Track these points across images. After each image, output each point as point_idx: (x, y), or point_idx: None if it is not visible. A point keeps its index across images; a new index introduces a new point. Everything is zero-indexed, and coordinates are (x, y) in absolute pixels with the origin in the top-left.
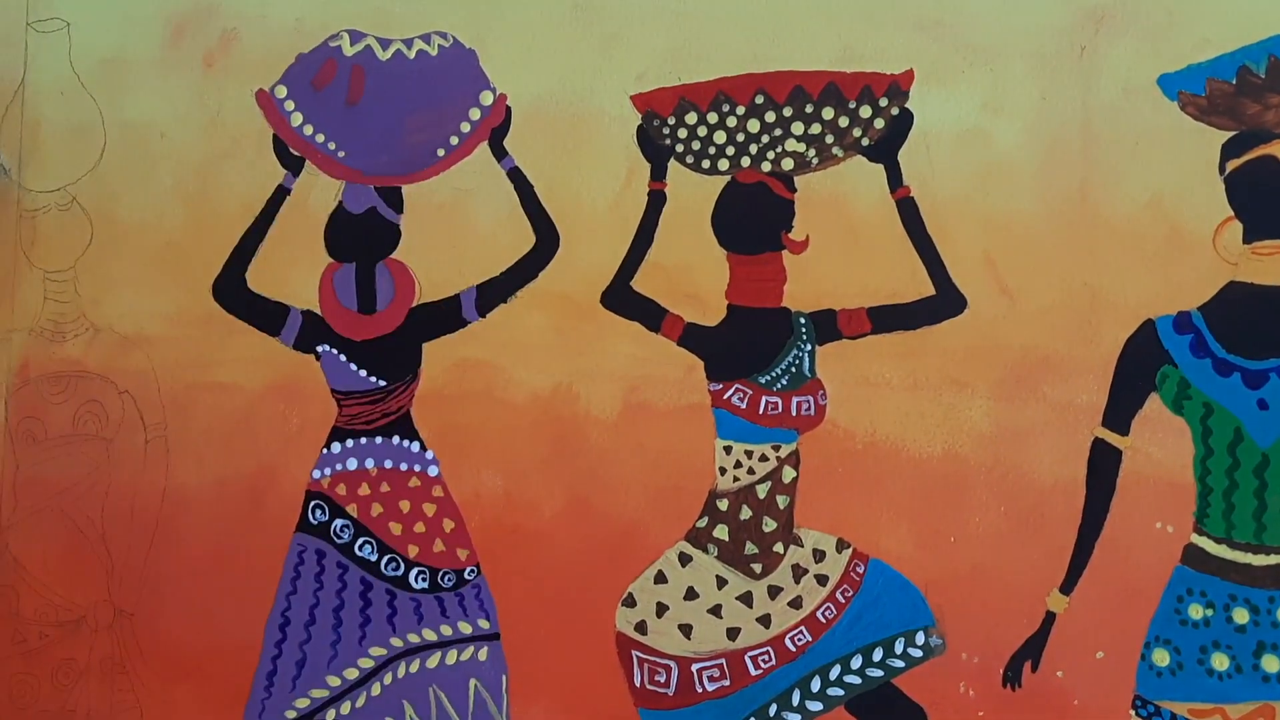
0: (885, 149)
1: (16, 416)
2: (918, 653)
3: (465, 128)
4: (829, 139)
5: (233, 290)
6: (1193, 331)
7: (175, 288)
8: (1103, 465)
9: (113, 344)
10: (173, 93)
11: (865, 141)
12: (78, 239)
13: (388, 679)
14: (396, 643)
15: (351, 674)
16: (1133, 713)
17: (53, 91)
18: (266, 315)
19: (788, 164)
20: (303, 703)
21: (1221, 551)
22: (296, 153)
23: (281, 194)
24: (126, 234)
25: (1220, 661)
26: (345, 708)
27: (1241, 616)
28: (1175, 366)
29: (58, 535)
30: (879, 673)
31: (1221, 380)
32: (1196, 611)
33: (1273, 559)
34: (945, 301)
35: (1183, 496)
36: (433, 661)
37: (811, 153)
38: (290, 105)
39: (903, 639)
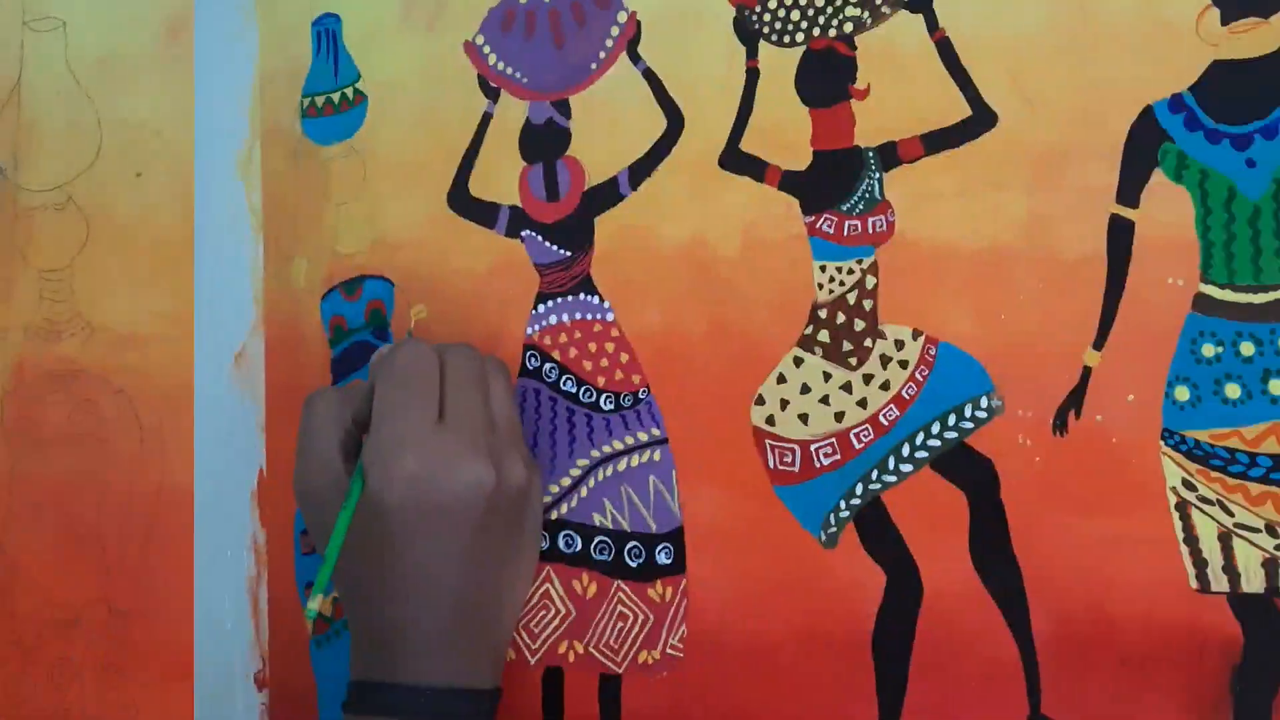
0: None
1: (11, 415)
2: (983, 414)
3: (609, 43)
4: (877, 1)
5: (460, 197)
6: (1185, 110)
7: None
8: (1119, 236)
9: (109, 343)
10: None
11: None
12: (73, 238)
13: (590, 483)
14: (595, 454)
15: (565, 481)
16: (1162, 443)
17: (48, 90)
18: (484, 213)
19: (848, 27)
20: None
21: (1226, 295)
22: (494, 85)
23: (486, 119)
24: (123, 233)
25: (1233, 391)
26: (563, 508)
27: (1248, 349)
28: (1173, 143)
29: (53, 534)
30: (954, 434)
31: (1213, 148)
32: (1208, 350)
33: (1271, 295)
34: (979, 119)
35: (1189, 253)
36: (621, 465)
37: (865, 14)
38: (487, 49)
39: (970, 404)
